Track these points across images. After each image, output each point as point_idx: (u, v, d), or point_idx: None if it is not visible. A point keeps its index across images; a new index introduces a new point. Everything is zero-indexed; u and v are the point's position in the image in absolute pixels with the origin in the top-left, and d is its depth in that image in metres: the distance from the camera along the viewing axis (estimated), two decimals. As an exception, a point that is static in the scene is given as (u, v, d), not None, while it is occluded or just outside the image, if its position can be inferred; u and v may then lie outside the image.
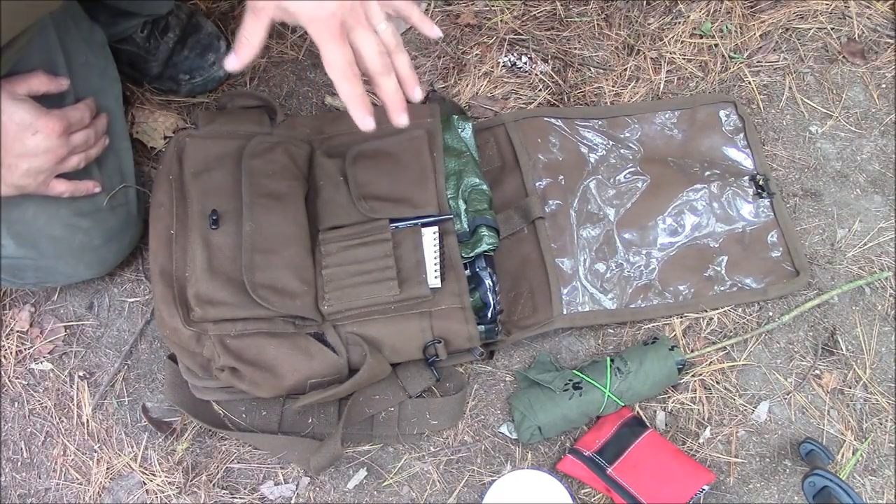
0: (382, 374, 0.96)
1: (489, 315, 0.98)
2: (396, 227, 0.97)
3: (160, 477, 0.98)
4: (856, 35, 1.27)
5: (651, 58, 1.24)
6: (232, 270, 0.92)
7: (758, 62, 1.25)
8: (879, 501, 0.99)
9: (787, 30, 1.27)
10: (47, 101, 0.85)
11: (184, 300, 0.91)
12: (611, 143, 1.16)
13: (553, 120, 1.16)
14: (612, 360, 1.00)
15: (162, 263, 0.93)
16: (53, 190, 0.87)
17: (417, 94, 0.78)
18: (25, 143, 0.81)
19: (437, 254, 0.97)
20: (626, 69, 1.23)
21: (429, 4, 1.27)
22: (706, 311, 1.07)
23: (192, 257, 0.93)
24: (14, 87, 0.82)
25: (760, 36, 1.26)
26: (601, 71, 1.23)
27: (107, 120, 0.94)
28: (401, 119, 0.77)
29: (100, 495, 0.98)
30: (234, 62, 0.73)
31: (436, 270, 0.95)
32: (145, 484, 0.98)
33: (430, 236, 0.97)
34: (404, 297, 0.93)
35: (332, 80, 0.73)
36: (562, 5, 1.27)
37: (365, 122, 0.75)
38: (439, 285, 0.95)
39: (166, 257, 0.94)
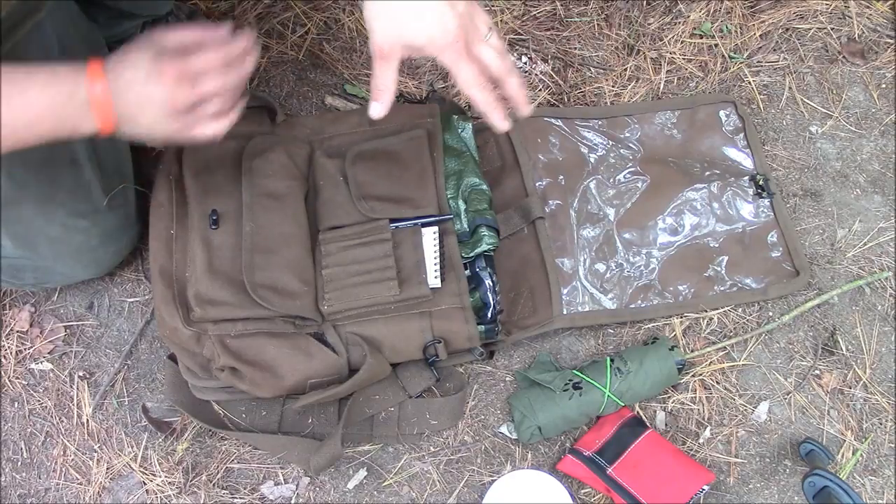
0: (382, 374, 0.96)
1: (489, 315, 0.98)
2: (396, 227, 0.97)
3: (160, 477, 0.98)
4: (856, 35, 1.27)
5: (651, 58, 1.24)
6: (232, 270, 0.92)
7: (758, 62, 1.25)
8: (879, 501, 0.99)
9: (787, 30, 1.27)
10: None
11: (184, 300, 0.91)
12: (611, 143, 1.16)
13: (553, 120, 1.16)
14: (612, 360, 1.00)
15: (162, 263, 0.93)
16: (200, 135, 0.77)
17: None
18: (138, 92, 0.71)
19: (437, 254, 0.97)
20: (626, 69, 1.23)
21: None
22: (706, 311, 1.07)
23: (192, 257, 0.93)
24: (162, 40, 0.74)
25: (760, 36, 1.26)
26: (601, 71, 1.23)
27: (250, 65, 0.79)
28: (528, 110, 0.82)
29: (100, 495, 0.98)
30: (380, 110, 0.76)
31: (436, 270, 0.95)
32: (145, 484, 0.98)
33: (430, 236, 0.97)
34: (404, 297, 0.93)
35: (467, 95, 0.77)
36: (562, 5, 1.27)
37: (503, 124, 0.80)
38: (439, 285, 0.95)
39: (166, 257, 0.94)
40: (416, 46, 0.74)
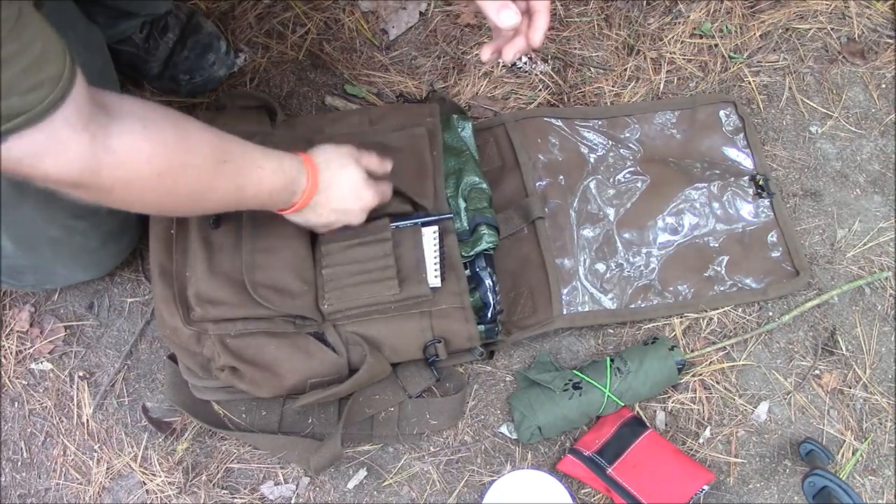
0: (382, 374, 0.96)
1: (489, 315, 0.98)
2: (396, 226, 0.97)
3: (160, 477, 0.98)
4: (856, 35, 1.27)
5: (651, 58, 1.24)
6: (232, 270, 0.92)
7: (758, 62, 1.25)
8: (879, 501, 0.99)
9: (787, 30, 1.27)
10: None
11: (184, 300, 0.91)
12: (611, 143, 1.16)
13: (553, 120, 1.16)
14: (612, 360, 1.00)
15: (162, 263, 0.93)
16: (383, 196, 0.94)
17: None
18: (346, 204, 0.89)
19: (437, 253, 0.96)
20: (626, 69, 1.23)
21: (429, 4, 1.27)
22: (706, 311, 1.07)
23: (193, 257, 0.93)
24: (360, 157, 0.91)
25: (760, 36, 1.26)
26: (601, 71, 1.23)
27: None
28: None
29: (100, 495, 0.98)
30: (512, 14, 0.75)
31: (436, 270, 0.95)
32: (145, 484, 0.98)
33: (430, 236, 0.97)
34: (404, 297, 0.93)
35: (545, 25, 0.78)
36: (562, 5, 1.27)
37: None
38: (439, 285, 0.95)
39: (166, 257, 0.94)
40: None
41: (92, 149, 0.64)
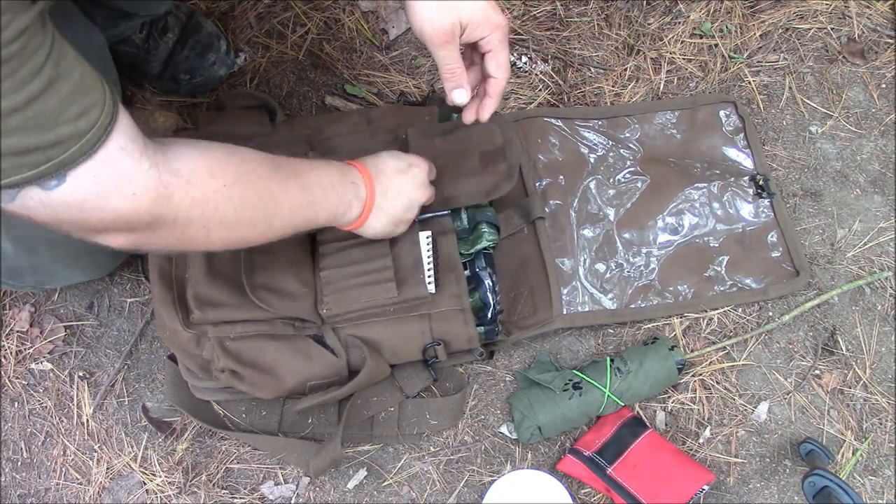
0: (382, 376, 0.96)
1: (489, 315, 0.98)
2: None
3: (160, 477, 0.98)
4: (856, 35, 1.27)
5: (651, 58, 1.24)
6: (231, 272, 0.92)
7: (758, 62, 1.25)
8: (879, 501, 0.99)
9: (787, 30, 1.27)
10: None
11: (183, 302, 0.91)
12: (611, 143, 1.16)
13: (553, 120, 1.16)
14: (612, 360, 1.00)
15: (161, 265, 0.93)
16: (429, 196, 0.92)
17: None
18: (402, 211, 0.88)
19: (431, 260, 0.95)
20: (626, 69, 1.23)
21: (429, 4, 1.27)
22: (706, 311, 1.07)
23: (192, 258, 0.92)
24: (412, 161, 0.90)
25: (760, 36, 1.26)
26: (601, 71, 1.23)
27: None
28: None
29: (100, 495, 0.98)
30: (464, 94, 0.82)
31: (430, 277, 0.94)
32: (145, 484, 0.98)
33: (422, 241, 0.96)
34: (403, 299, 0.92)
35: (503, 76, 0.82)
36: (562, 5, 1.27)
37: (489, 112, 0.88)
38: (433, 291, 0.94)
39: (166, 259, 0.93)
40: (475, 22, 0.77)
41: (156, 174, 0.62)
